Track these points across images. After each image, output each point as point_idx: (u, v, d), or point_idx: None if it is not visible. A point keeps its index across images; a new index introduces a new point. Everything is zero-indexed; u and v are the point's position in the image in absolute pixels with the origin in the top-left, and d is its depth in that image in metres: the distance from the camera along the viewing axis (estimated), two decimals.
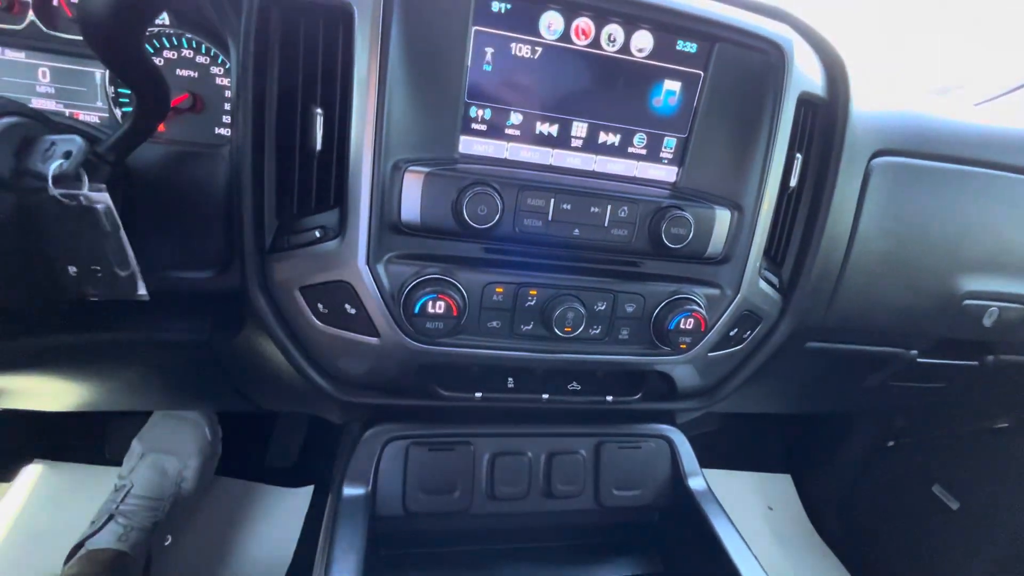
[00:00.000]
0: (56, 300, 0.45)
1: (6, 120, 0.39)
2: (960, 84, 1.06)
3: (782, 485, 1.55)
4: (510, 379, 0.60)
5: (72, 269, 0.43)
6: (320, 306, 0.52)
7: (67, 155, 0.39)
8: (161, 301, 0.51)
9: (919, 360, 0.78)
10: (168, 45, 0.60)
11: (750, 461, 1.56)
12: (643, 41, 0.51)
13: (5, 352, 0.51)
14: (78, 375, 0.64)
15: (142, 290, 0.46)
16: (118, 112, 0.61)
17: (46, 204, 0.40)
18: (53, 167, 0.39)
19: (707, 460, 1.46)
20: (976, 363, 0.80)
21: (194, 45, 0.60)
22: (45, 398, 0.70)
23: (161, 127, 0.58)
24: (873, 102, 0.64)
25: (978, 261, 0.70)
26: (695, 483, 0.66)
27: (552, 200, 0.51)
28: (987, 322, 0.73)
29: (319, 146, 0.48)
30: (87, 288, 0.44)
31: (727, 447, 1.51)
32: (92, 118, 0.61)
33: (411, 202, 0.49)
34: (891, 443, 1.35)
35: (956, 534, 1.12)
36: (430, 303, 0.49)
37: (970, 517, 1.10)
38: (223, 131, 0.63)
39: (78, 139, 0.40)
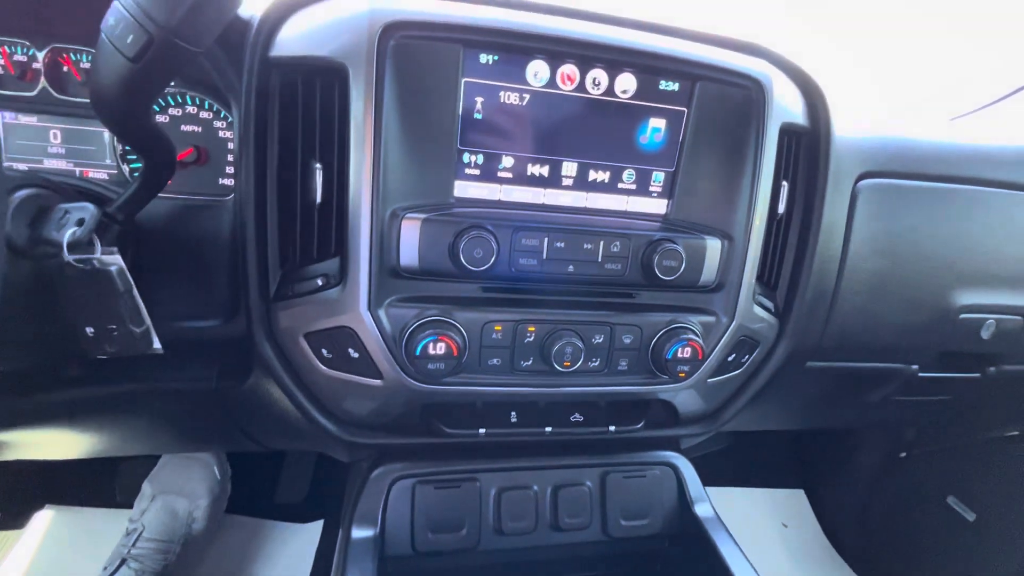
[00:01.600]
0: (71, 359, 0.47)
1: (22, 193, 0.41)
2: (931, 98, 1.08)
3: (796, 501, 1.53)
4: (513, 414, 0.61)
5: (89, 330, 0.45)
6: (324, 351, 0.54)
7: (80, 222, 0.41)
8: (170, 350, 0.53)
9: (921, 375, 0.78)
10: (173, 103, 0.63)
11: (763, 477, 1.54)
12: (627, 83, 0.53)
13: (18, 410, 0.53)
14: (89, 426, 0.66)
15: (157, 344, 0.47)
16: (126, 168, 0.63)
17: (62, 269, 0.42)
18: (67, 235, 0.40)
19: (719, 478, 1.46)
20: (978, 375, 0.80)
21: (198, 102, 0.63)
22: (56, 448, 0.71)
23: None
24: (855, 125, 0.66)
25: (971, 275, 0.71)
26: (701, 509, 0.66)
27: (546, 239, 0.53)
28: (985, 334, 0.74)
29: (319, 199, 0.50)
30: (105, 347, 0.45)
31: (739, 464, 1.50)
32: (101, 175, 0.64)
33: (409, 248, 0.50)
34: (903, 455, 1.34)
35: (975, 546, 1.10)
36: (431, 345, 0.50)
37: (988, 528, 1.09)
38: (227, 181, 0.66)
39: (90, 206, 0.42)
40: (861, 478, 1.40)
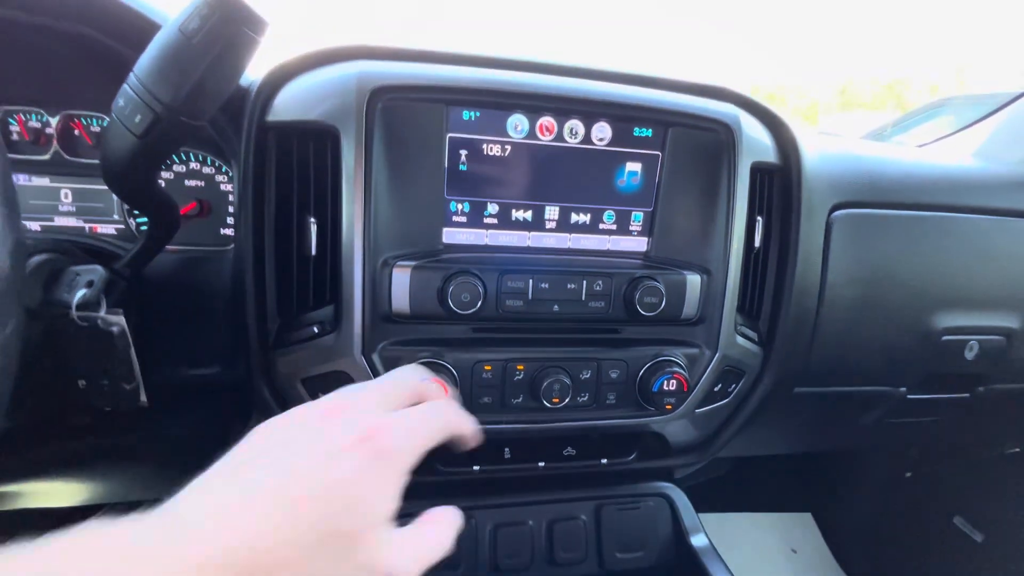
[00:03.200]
0: (79, 411, 0.49)
1: (36, 258, 0.44)
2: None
3: (804, 524, 1.51)
4: (506, 449, 0.62)
5: (82, 383, 0.47)
6: (321, 395, 0.55)
7: (89, 284, 0.44)
8: (171, 398, 0.55)
9: (909, 396, 0.79)
10: (178, 160, 0.67)
11: (769, 501, 1.53)
12: (602, 132, 0.57)
13: (27, 462, 0.54)
14: (93, 474, 0.67)
15: (143, 398, 0.50)
16: (132, 223, 0.67)
17: (68, 328, 0.45)
18: (77, 296, 0.43)
19: (727, 504, 1.44)
20: (968, 395, 0.82)
21: (200, 159, 0.67)
22: (59, 496, 0.72)
23: None
24: (825, 158, 0.69)
25: (949, 298, 0.73)
26: (697, 540, 0.66)
27: (530, 280, 0.55)
28: (969, 355, 0.75)
29: (314, 251, 0.53)
30: (93, 400, 0.48)
31: (745, 489, 1.49)
32: (110, 230, 0.67)
33: (401, 294, 0.53)
34: (909, 474, 1.33)
35: (984, 568, 1.08)
36: None
37: (996, 549, 1.07)
38: (228, 231, 0.69)
39: (99, 268, 0.45)
40: (868, 499, 1.39)
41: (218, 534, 0.24)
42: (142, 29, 0.49)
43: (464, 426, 0.38)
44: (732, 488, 1.46)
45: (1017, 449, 1.09)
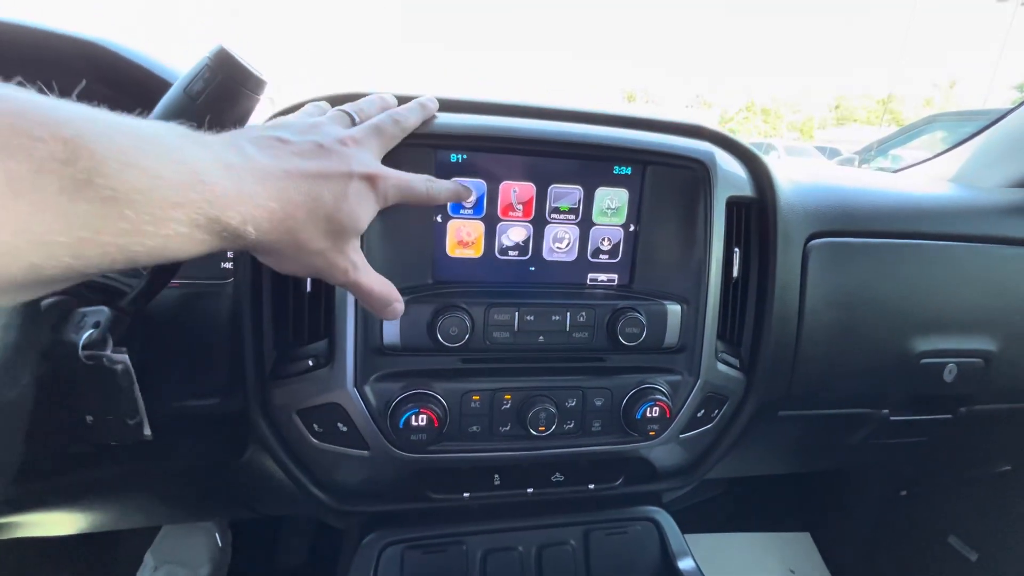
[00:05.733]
0: (80, 444, 0.51)
1: (46, 302, 0.46)
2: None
3: (802, 544, 1.51)
4: (496, 476, 0.64)
5: (89, 418, 0.49)
6: (315, 426, 0.58)
7: (96, 324, 0.47)
8: (170, 429, 0.57)
9: (892, 418, 0.81)
10: None
11: (767, 521, 1.53)
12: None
13: (17, 495, 0.56)
14: (93, 504, 0.69)
15: (147, 431, 0.52)
16: None
17: (75, 367, 0.47)
18: (84, 337, 0.46)
19: (722, 524, 1.44)
20: (950, 416, 0.83)
21: None
22: (58, 525, 0.74)
23: None
24: (800, 189, 0.72)
25: (927, 322, 0.75)
26: (683, 563, 0.67)
27: (516, 313, 0.58)
28: (948, 378, 0.77)
29: (309, 289, 0.56)
30: (100, 435, 0.50)
31: (741, 509, 1.49)
32: None
33: (391, 328, 0.56)
34: (904, 492, 1.33)
35: None
36: (413, 417, 0.54)
37: (990, 569, 1.08)
38: (227, 264, 0.71)
39: (105, 309, 0.48)
40: (865, 518, 1.39)
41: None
42: (150, 85, 0.52)
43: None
44: (730, 508, 1.46)
45: (1008, 467, 1.10)
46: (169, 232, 0.26)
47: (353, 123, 0.42)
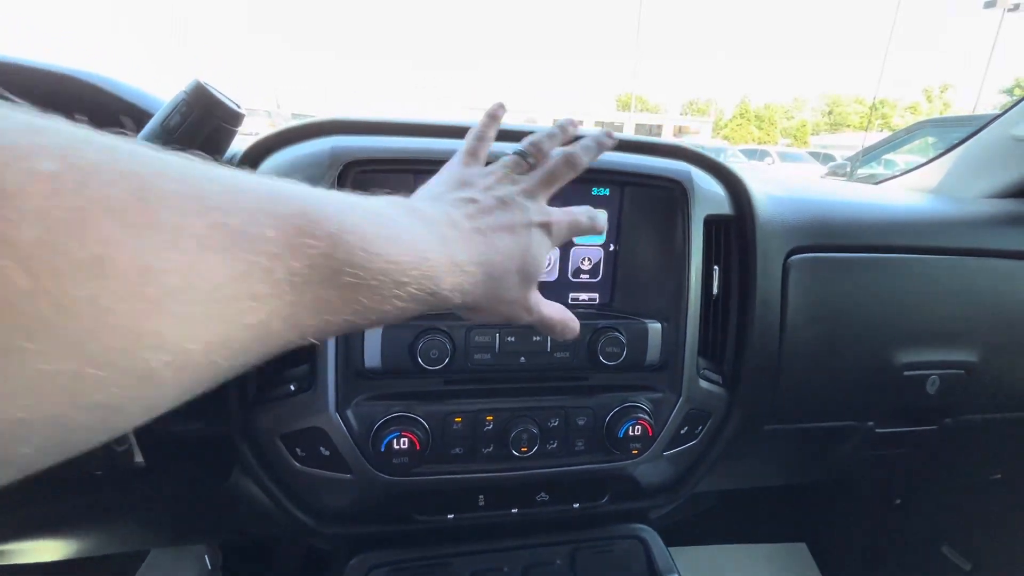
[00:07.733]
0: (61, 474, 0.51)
1: None
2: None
3: (798, 555, 1.50)
4: (480, 497, 0.64)
5: None
6: (298, 450, 0.58)
7: None
8: (155, 454, 0.57)
9: (878, 430, 0.81)
10: None
11: (762, 532, 1.52)
12: None
13: (9, 524, 0.56)
14: (79, 530, 0.69)
15: (138, 458, 0.52)
16: None
17: None
18: None
19: (718, 536, 1.44)
20: (935, 427, 0.84)
21: None
22: (45, 552, 0.73)
23: None
24: (779, 205, 0.73)
25: (908, 334, 0.76)
26: None
27: (497, 334, 0.58)
28: (931, 389, 0.78)
29: None
30: (90, 464, 0.50)
31: (737, 520, 1.48)
32: None
33: (373, 351, 0.56)
34: (898, 501, 1.33)
35: None
36: (395, 440, 0.55)
37: None
38: None
39: None
40: (860, 528, 1.38)
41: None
42: (133, 115, 0.53)
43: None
44: (725, 520, 1.45)
45: (999, 476, 1.10)
46: (390, 307, 0.27)
47: (529, 165, 0.42)
